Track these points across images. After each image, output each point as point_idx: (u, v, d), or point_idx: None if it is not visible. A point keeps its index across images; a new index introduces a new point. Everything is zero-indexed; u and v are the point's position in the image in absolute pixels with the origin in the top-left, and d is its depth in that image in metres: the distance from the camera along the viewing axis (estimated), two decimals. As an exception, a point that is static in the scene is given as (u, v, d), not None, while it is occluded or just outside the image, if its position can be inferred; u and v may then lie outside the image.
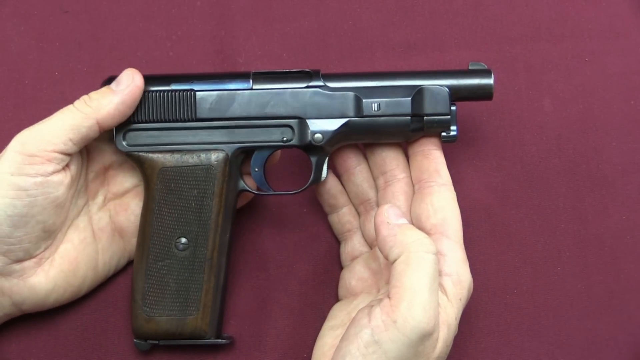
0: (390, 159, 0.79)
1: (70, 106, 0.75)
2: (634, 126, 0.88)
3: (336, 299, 0.83)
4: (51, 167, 0.73)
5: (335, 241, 0.85)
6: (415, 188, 0.78)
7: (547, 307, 0.83)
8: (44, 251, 0.76)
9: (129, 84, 0.76)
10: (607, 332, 0.83)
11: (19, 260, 0.75)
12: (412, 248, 0.70)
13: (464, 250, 0.75)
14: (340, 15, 0.92)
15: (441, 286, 0.73)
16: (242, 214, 0.85)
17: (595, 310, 0.83)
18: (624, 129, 0.88)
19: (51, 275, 0.77)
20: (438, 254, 0.73)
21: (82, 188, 0.79)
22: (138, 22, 0.91)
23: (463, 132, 0.87)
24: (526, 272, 0.85)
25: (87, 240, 0.79)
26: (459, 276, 0.73)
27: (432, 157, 0.78)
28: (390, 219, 0.72)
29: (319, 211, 0.86)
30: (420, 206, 0.76)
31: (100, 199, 0.81)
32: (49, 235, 0.76)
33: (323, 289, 0.85)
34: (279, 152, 0.81)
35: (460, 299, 0.73)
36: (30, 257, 0.75)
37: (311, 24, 0.91)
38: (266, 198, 0.86)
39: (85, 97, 0.75)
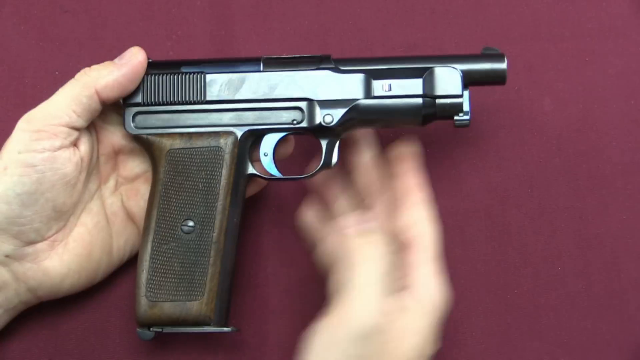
0: (368, 185, 0.79)
1: (71, 79, 0.76)
2: (634, 126, 0.88)
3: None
4: (58, 142, 0.74)
5: (335, 241, 0.85)
6: (392, 205, 0.78)
7: (548, 307, 0.84)
8: (56, 233, 0.76)
9: (130, 58, 0.77)
10: (608, 332, 0.83)
11: (31, 242, 0.75)
12: (358, 248, 0.70)
13: (438, 264, 0.73)
14: (340, 15, 0.92)
15: (410, 296, 0.72)
16: (242, 214, 0.85)
17: (596, 310, 0.83)
18: (624, 129, 0.88)
19: (65, 259, 0.77)
20: (409, 266, 0.71)
21: (93, 171, 0.80)
22: (138, 22, 0.91)
23: (463, 132, 0.88)
24: (526, 272, 0.85)
25: (100, 224, 0.79)
26: (428, 289, 0.72)
27: (409, 175, 0.77)
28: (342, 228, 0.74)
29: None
30: (395, 222, 0.76)
31: (112, 183, 0.82)
32: (60, 215, 0.76)
33: (323, 288, 0.84)
34: (292, 141, 0.81)
35: (431, 312, 0.72)
36: (42, 239, 0.76)
37: (311, 24, 0.92)
38: (266, 197, 0.86)
39: (86, 68, 0.76)
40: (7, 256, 0.74)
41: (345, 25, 0.91)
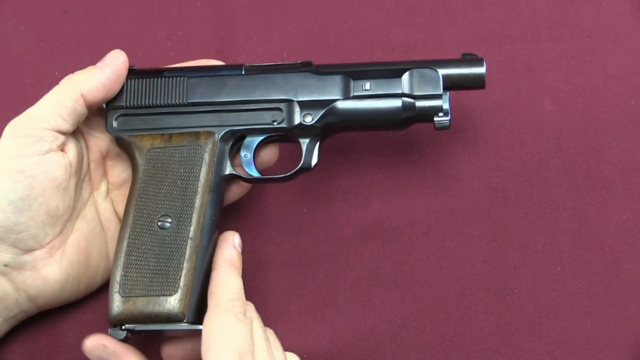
0: None
1: (55, 86, 0.76)
2: (634, 126, 0.88)
3: (336, 301, 0.83)
4: (45, 145, 0.74)
5: (334, 244, 0.85)
6: None
7: (548, 307, 0.83)
8: (53, 240, 0.76)
9: (112, 60, 0.78)
10: (608, 332, 0.83)
11: (29, 250, 0.75)
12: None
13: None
14: (340, 15, 0.92)
15: None
16: (240, 216, 0.85)
17: (596, 310, 0.83)
18: (624, 129, 0.88)
19: (64, 265, 0.77)
20: None
21: (85, 178, 0.80)
22: (138, 22, 0.91)
23: (463, 132, 0.88)
24: (526, 272, 0.85)
25: (96, 230, 0.80)
26: None
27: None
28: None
29: (318, 213, 0.86)
30: None
31: (103, 188, 0.82)
32: (55, 221, 0.76)
33: (322, 291, 0.84)
34: (276, 149, 0.81)
35: None
36: (40, 246, 0.76)
37: (311, 24, 0.92)
38: (265, 199, 0.86)
39: (70, 74, 0.77)
40: (6, 265, 0.74)
41: (345, 25, 0.91)
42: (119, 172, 0.82)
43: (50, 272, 0.76)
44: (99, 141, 0.81)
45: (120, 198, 0.82)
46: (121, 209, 0.81)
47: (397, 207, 0.86)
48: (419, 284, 0.84)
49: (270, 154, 0.81)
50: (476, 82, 0.79)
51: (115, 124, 0.78)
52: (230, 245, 0.77)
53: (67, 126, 0.75)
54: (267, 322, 0.83)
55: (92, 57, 0.89)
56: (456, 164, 0.87)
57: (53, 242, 0.77)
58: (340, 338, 0.83)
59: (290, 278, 0.85)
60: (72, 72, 0.88)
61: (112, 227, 0.81)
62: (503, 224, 0.86)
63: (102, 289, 0.83)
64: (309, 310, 0.84)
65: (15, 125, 0.75)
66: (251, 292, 0.84)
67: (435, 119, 0.78)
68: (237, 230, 0.84)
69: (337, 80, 0.79)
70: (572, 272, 0.84)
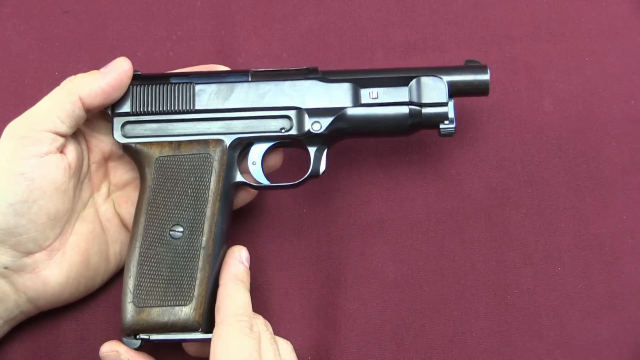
0: None
1: (56, 87, 0.76)
2: (634, 126, 0.88)
3: (337, 300, 0.83)
4: (44, 147, 0.74)
5: (334, 244, 0.85)
6: None
7: (548, 307, 0.84)
8: (53, 242, 0.76)
9: (116, 67, 0.77)
10: (608, 332, 0.83)
11: (30, 253, 0.75)
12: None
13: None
14: (340, 15, 0.92)
15: None
16: (242, 216, 0.85)
17: (596, 310, 0.83)
18: (624, 129, 0.88)
19: (64, 267, 0.77)
20: None
21: (85, 179, 0.80)
22: (138, 22, 0.91)
23: (463, 132, 0.88)
24: (526, 272, 0.85)
25: (96, 231, 0.79)
26: None
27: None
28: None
29: (319, 213, 0.86)
30: None
31: (104, 190, 0.82)
32: (55, 223, 0.76)
33: (323, 291, 0.84)
34: (281, 154, 0.81)
35: None
36: (40, 248, 0.76)
37: (311, 24, 0.92)
38: (266, 200, 0.86)
39: (71, 76, 0.77)
40: (6, 268, 0.74)
41: (345, 25, 0.91)
42: (122, 173, 0.82)
43: (50, 274, 0.76)
44: (101, 143, 0.81)
45: (122, 199, 0.82)
46: (123, 210, 0.81)
47: (397, 207, 0.86)
48: (419, 284, 0.84)
49: (275, 159, 0.81)
50: (480, 89, 0.80)
51: (121, 131, 0.78)
52: (237, 260, 0.77)
53: (65, 128, 0.75)
54: (269, 321, 0.83)
55: (92, 57, 0.90)
56: (456, 164, 0.87)
57: (53, 245, 0.76)
58: (343, 337, 0.83)
59: (291, 278, 0.85)
60: (72, 72, 0.88)
61: (113, 229, 0.81)
62: (503, 224, 0.86)
63: (102, 290, 0.83)
64: (311, 310, 0.84)
65: (14, 126, 0.74)
66: (253, 292, 0.84)
67: (441, 126, 0.78)
68: (237, 232, 0.84)
69: (345, 87, 0.79)
70: (572, 272, 0.84)
